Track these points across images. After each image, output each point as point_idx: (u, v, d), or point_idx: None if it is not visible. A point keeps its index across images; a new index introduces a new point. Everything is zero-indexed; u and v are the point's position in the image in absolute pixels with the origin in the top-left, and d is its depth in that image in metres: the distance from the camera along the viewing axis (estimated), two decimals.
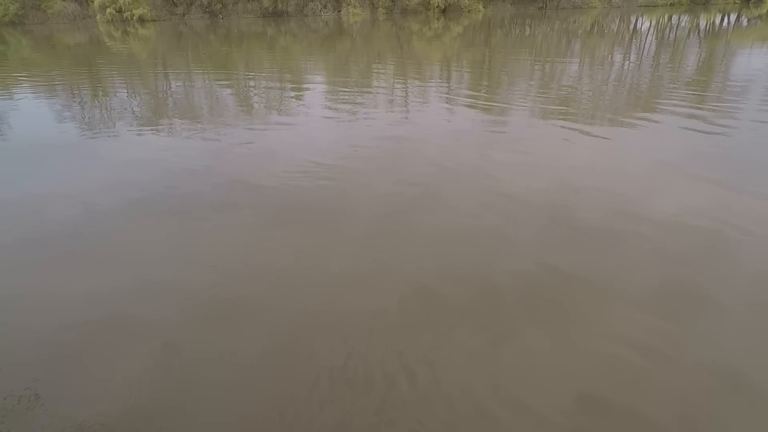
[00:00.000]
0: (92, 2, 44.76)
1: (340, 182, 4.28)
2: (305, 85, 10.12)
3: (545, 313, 2.44)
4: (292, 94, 9.08)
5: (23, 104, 8.21)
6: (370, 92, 9.13)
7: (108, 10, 42.90)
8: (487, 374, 2.05)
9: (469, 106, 7.69)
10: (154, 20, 43.76)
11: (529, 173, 4.43)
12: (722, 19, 23.83)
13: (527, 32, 22.17)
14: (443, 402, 1.91)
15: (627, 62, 12.39)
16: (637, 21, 26.02)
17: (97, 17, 43.94)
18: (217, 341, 2.28)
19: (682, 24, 22.77)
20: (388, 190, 4.09)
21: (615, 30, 21.43)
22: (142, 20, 43.05)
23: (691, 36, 17.44)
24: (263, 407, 1.92)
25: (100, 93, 9.42)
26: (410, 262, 2.93)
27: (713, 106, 7.48)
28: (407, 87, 9.84)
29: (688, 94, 8.48)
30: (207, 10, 44.93)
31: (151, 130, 6.44)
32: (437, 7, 39.37)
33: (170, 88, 10.15)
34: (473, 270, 2.84)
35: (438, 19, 33.18)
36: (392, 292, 2.61)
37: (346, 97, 8.58)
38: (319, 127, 6.38)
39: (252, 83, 10.35)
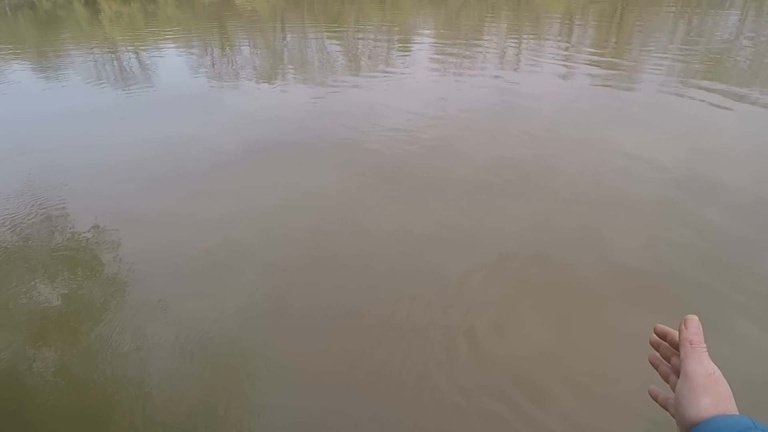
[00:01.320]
0: None
1: (448, 140, 4.27)
2: (412, 42, 9.96)
3: None
4: (398, 50, 9.02)
5: (167, 58, 9.31)
6: (479, 49, 8.68)
7: None
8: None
9: (592, 66, 6.93)
10: None
11: (657, 149, 3.93)
12: None
13: None
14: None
15: None
16: None
17: None
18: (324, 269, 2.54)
19: None
20: (494, 153, 3.98)
21: None
22: None
23: None
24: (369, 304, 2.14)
25: (227, 48, 10.29)
26: (502, 230, 2.89)
27: None
28: (520, 43, 9.15)
29: None
30: None
31: (268, 83, 6.95)
32: None
33: (286, 42, 10.71)
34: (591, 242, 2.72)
35: None
36: (486, 255, 2.64)
37: (454, 53, 8.28)
38: (424, 84, 6.30)
39: (360, 36, 10.46)
